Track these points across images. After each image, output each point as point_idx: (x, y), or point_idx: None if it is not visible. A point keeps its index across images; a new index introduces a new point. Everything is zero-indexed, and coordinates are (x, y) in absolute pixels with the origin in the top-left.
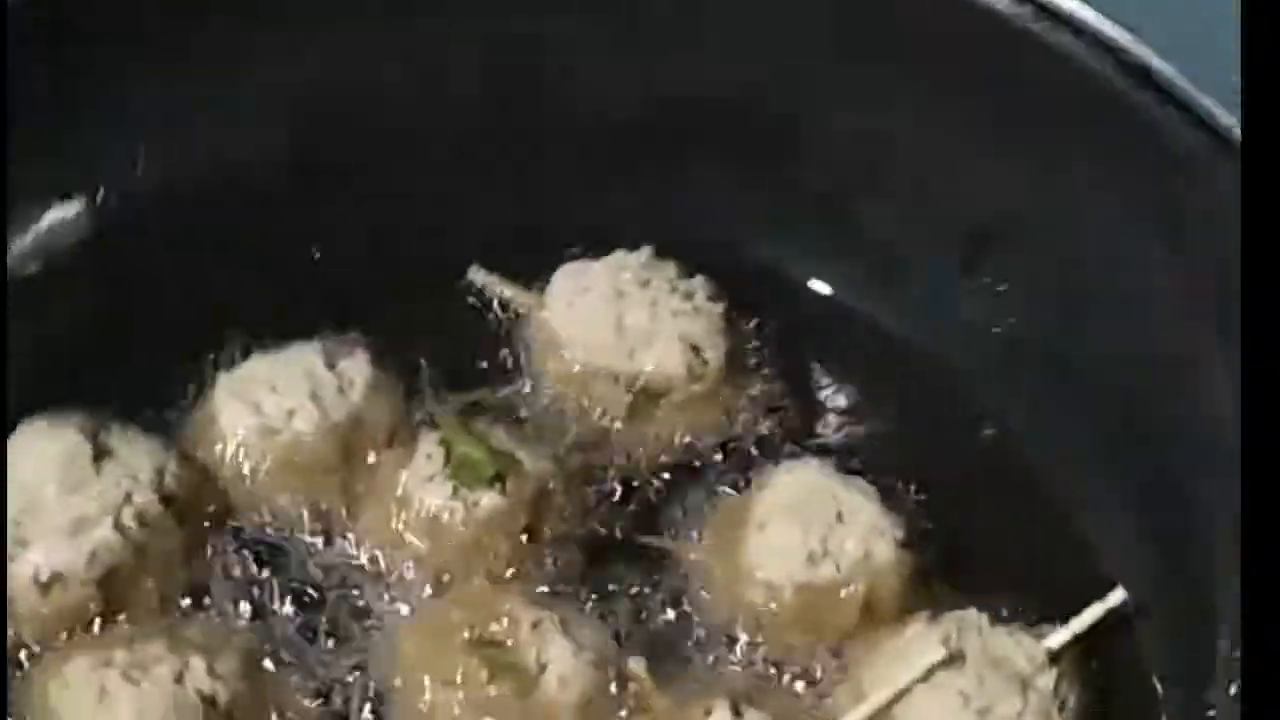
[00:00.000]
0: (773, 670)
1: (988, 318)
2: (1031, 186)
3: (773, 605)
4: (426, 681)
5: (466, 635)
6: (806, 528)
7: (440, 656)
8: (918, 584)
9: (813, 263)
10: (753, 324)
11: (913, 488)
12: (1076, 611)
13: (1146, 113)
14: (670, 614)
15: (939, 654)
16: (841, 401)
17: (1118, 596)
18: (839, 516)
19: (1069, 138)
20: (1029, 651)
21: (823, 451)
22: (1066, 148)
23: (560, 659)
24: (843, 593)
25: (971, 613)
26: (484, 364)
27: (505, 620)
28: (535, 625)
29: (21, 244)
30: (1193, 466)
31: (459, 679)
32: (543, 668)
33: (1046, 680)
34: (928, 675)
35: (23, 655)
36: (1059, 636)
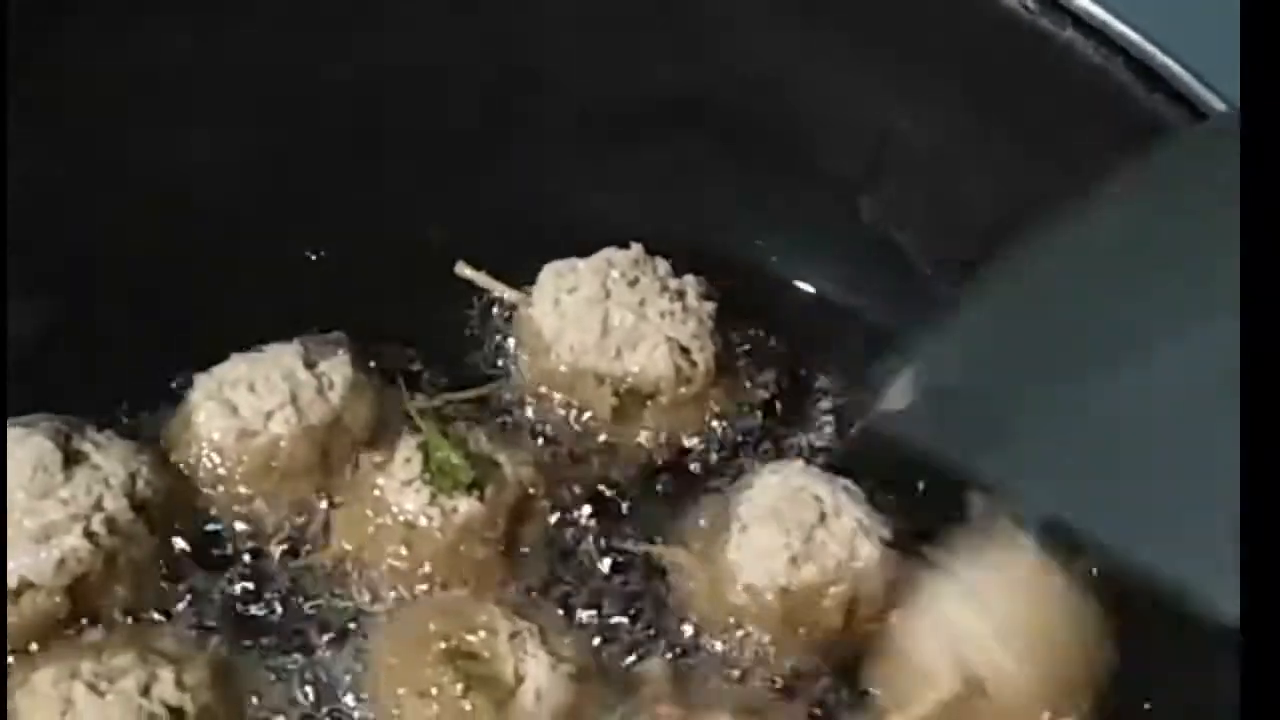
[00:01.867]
0: (760, 679)
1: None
2: (1035, 187)
3: (755, 609)
4: (401, 692)
5: (443, 645)
6: (788, 529)
7: (415, 667)
8: (903, 585)
9: (809, 261)
10: (744, 324)
11: (902, 490)
12: None
13: (1156, 113)
14: (655, 621)
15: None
16: (833, 404)
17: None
18: (822, 517)
19: (1076, 138)
20: None
21: (813, 454)
22: (1073, 149)
23: (538, 672)
24: (827, 595)
25: None
26: (468, 363)
27: (483, 630)
28: (513, 636)
29: None
30: None
31: (434, 690)
32: (520, 680)
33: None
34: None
35: None
36: None
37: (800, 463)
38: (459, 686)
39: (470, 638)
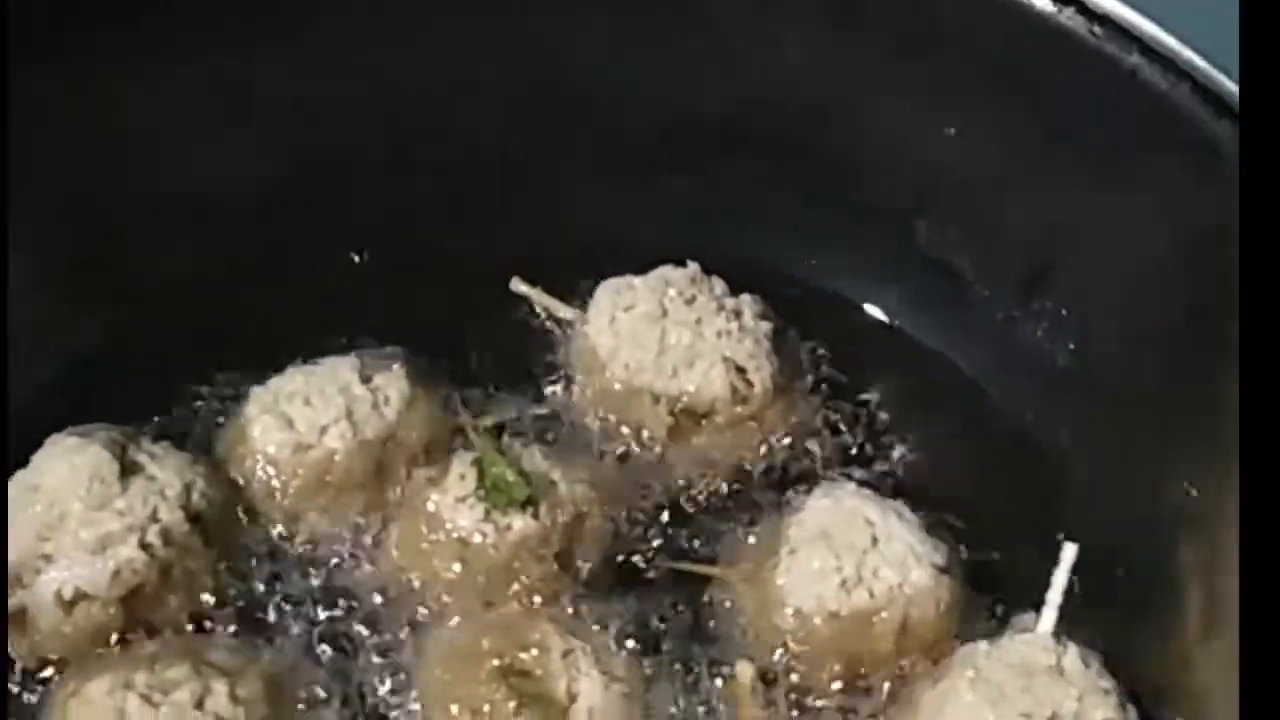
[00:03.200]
0: (806, 701)
1: (1046, 345)
2: (1094, 210)
3: (803, 633)
4: (454, 709)
5: (495, 662)
6: (839, 553)
7: (468, 684)
8: (954, 612)
9: (865, 283)
10: (799, 344)
11: (955, 516)
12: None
13: (1220, 138)
14: (705, 643)
15: None
16: (889, 428)
17: (1071, 551)
18: (873, 541)
19: (1139, 163)
20: (1040, 644)
21: (866, 477)
22: (1135, 174)
23: (591, 691)
24: (877, 621)
25: (971, 646)
26: (523, 379)
27: (536, 648)
28: (566, 654)
29: (49, 252)
30: None
31: (487, 708)
32: (573, 699)
33: (1071, 659)
34: None
35: (47, 671)
36: (1047, 618)
37: (852, 485)
38: (512, 704)
39: (523, 655)
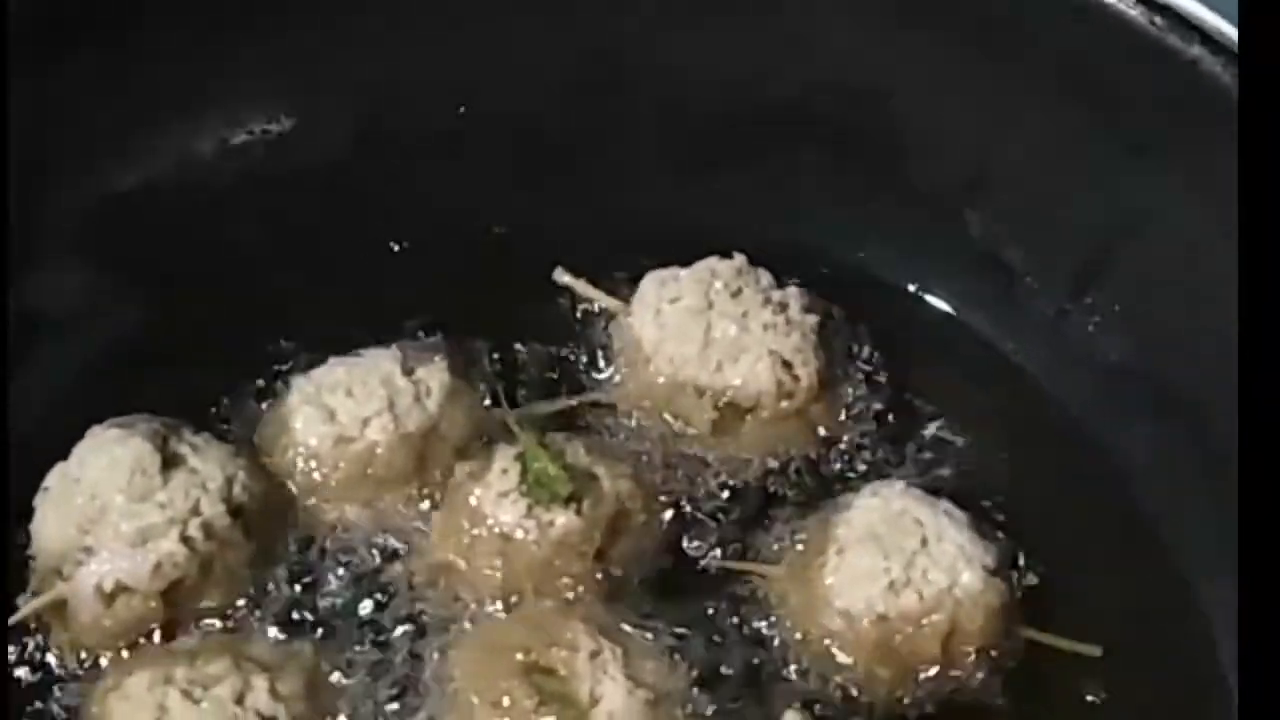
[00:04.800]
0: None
1: (1098, 340)
2: (1150, 203)
3: (851, 634)
4: (475, 701)
5: (521, 658)
6: (888, 554)
7: (492, 678)
8: (1003, 616)
9: (915, 274)
10: (847, 338)
11: (1005, 516)
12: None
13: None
14: (746, 645)
15: None
16: (939, 423)
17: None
18: (923, 542)
19: (1196, 156)
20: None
21: (914, 473)
22: (1193, 166)
23: (614, 695)
24: (925, 624)
25: None
26: (565, 371)
27: (565, 648)
28: (594, 655)
29: (91, 241)
30: None
31: (506, 702)
32: (595, 701)
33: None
34: None
35: (86, 665)
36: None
37: (901, 484)
38: (530, 702)
39: (552, 653)
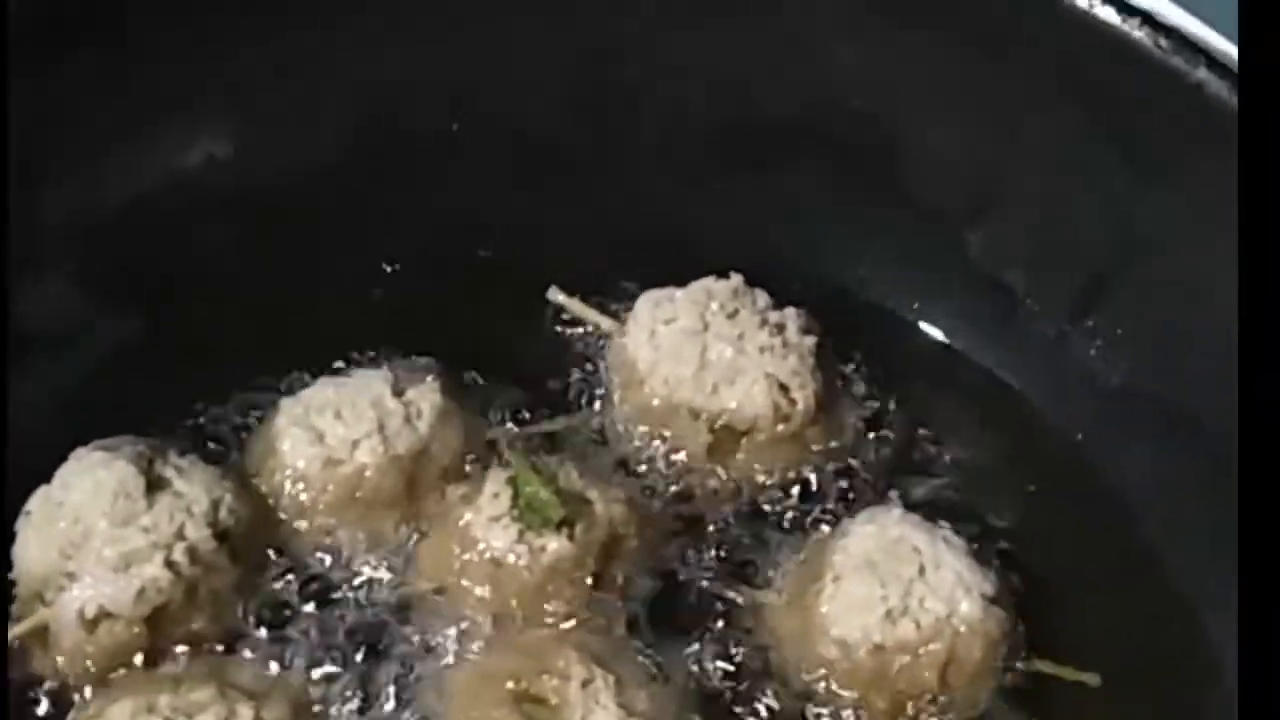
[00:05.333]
0: None
1: (1099, 364)
2: (1153, 226)
3: (846, 664)
4: None
5: (512, 686)
6: (885, 582)
7: (482, 706)
8: (1002, 644)
9: (915, 296)
10: (846, 360)
11: (1006, 542)
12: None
13: None
14: (739, 674)
15: None
16: (938, 447)
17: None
18: (920, 570)
19: (1203, 182)
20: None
21: (913, 498)
22: (1199, 191)
23: None
24: (923, 653)
25: None
26: (559, 393)
27: (556, 676)
28: (586, 684)
29: (75, 255)
30: None
31: None
32: None
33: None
34: None
35: (69, 691)
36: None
37: (899, 510)
38: None
39: (543, 681)
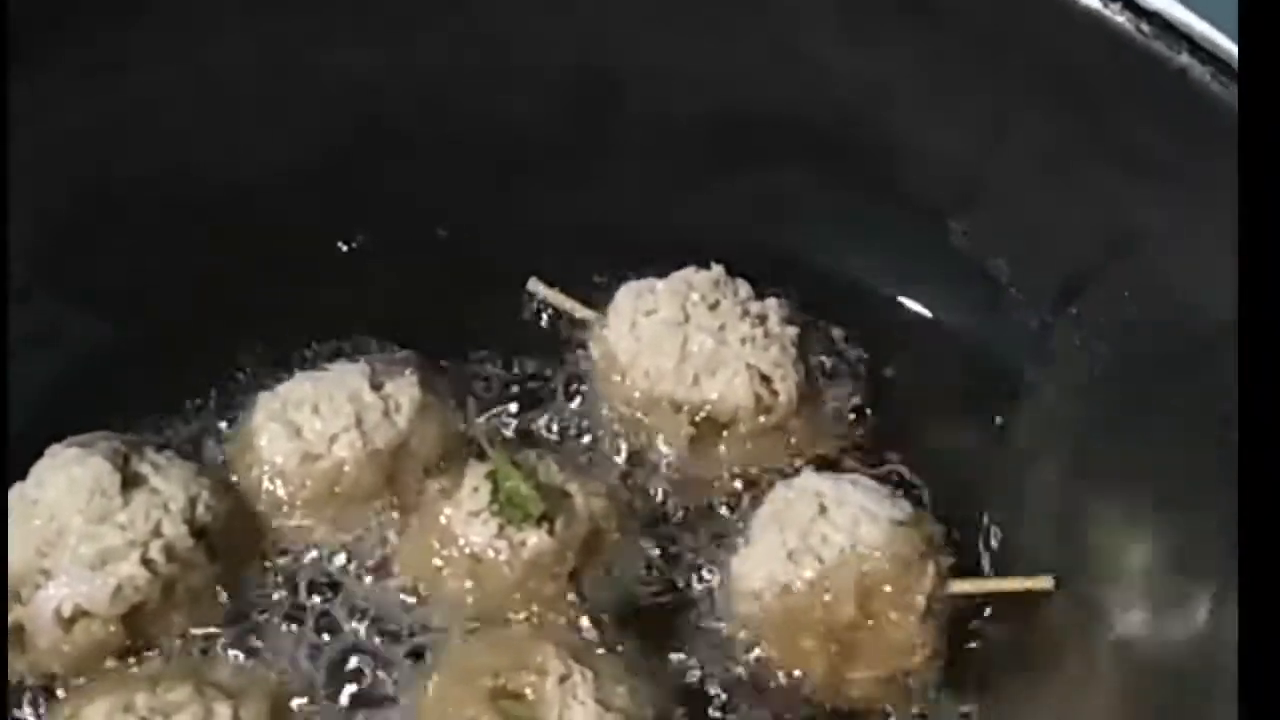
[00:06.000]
0: None
1: (1082, 353)
2: (1138, 215)
3: (764, 615)
4: None
5: (489, 682)
6: (784, 527)
7: (459, 702)
8: (923, 565)
9: (898, 285)
10: (828, 350)
11: (979, 526)
12: None
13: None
14: (722, 666)
15: None
16: (921, 436)
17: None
18: (821, 509)
19: (1186, 168)
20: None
21: (895, 488)
22: (1183, 179)
23: None
24: (829, 584)
25: None
26: (539, 386)
27: (534, 671)
28: (563, 679)
29: (48, 254)
30: None
31: None
32: None
33: None
34: None
35: (45, 689)
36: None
37: (809, 469)
38: None
39: (520, 677)
